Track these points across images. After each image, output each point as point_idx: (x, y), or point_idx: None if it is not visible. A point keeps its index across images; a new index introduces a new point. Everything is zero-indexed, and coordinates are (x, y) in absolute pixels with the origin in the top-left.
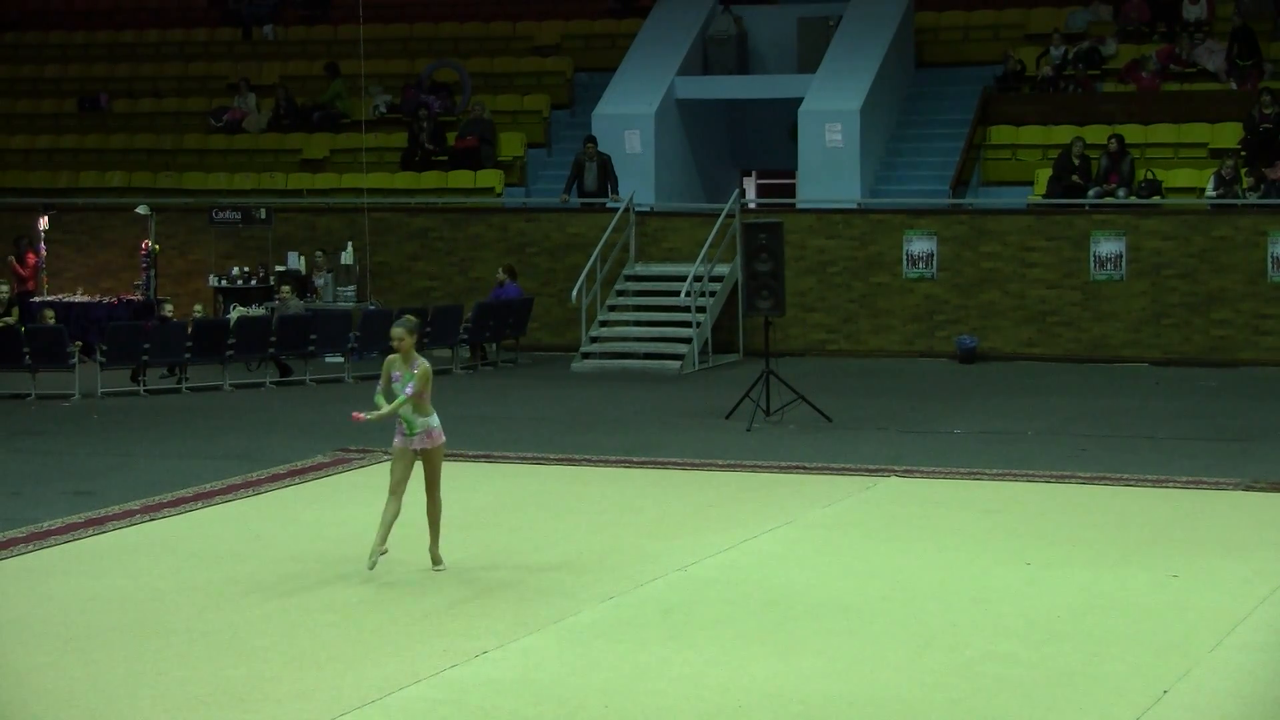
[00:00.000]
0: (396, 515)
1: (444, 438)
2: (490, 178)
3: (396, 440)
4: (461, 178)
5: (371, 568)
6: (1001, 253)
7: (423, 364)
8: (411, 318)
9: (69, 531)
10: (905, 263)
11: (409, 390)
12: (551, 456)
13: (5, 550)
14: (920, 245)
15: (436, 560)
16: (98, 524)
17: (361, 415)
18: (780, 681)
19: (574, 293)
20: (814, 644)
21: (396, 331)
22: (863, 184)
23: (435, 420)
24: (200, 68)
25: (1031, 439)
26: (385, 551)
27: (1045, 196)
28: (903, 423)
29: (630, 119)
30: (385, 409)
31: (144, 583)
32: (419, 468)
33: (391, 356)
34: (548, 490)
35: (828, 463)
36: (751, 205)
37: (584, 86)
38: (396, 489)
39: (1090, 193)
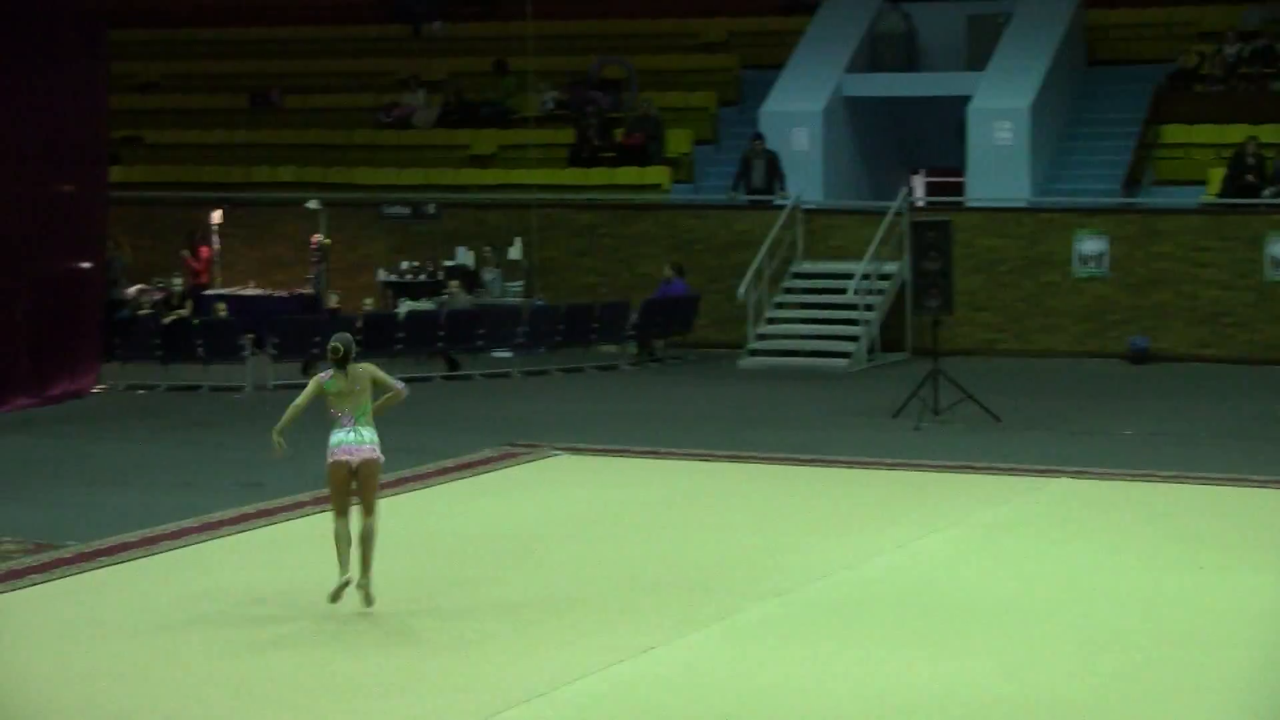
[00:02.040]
0: (351, 539)
1: (328, 458)
2: (657, 174)
3: (336, 457)
4: (628, 174)
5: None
6: (1173, 253)
7: (365, 365)
8: (346, 336)
9: (240, 522)
10: (1075, 262)
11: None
12: (718, 453)
13: (178, 540)
14: (1091, 244)
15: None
16: (268, 515)
17: None
18: (948, 682)
19: (741, 290)
20: (982, 645)
21: (334, 344)
22: (1032, 182)
23: (374, 433)
24: (370, 64)
25: (1204, 441)
26: (348, 580)
27: (1219, 196)
28: (1073, 423)
29: (798, 116)
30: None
31: (312, 574)
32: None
33: (326, 371)
34: (714, 487)
35: (996, 463)
36: (919, 203)
37: (751, 83)
38: (341, 510)
39: (1265, 192)
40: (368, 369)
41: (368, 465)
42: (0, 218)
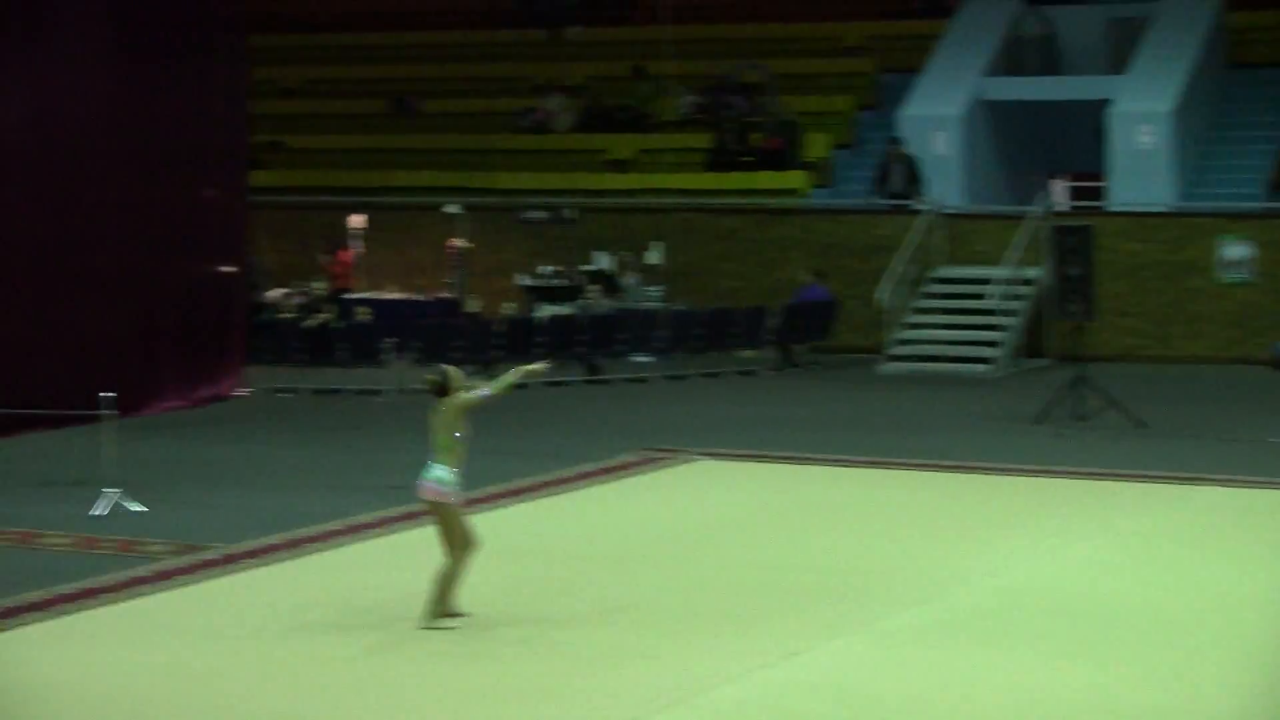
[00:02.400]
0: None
1: (446, 498)
2: (796, 178)
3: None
4: (767, 178)
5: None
6: None
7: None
8: (443, 368)
9: (383, 525)
10: (1220, 267)
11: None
12: (858, 459)
13: (322, 543)
14: (1236, 249)
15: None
16: (410, 518)
17: None
18: (1094, 691)
19: (880, 294)
20: (1129, 654)
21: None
22: (1175, 186)
23: (440, 472)
24: (508, 68)
25: None
26: (464, 614)
27: None
28: (1219, 430)
29: (937, 120)
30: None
31: None
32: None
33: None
34: (855, 493)
35: (1141, 470)
36: (1060, 207)
37: (889, 87)
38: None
39: None
40: (453, 401)
41: (433, 507)
42: (145, 223)
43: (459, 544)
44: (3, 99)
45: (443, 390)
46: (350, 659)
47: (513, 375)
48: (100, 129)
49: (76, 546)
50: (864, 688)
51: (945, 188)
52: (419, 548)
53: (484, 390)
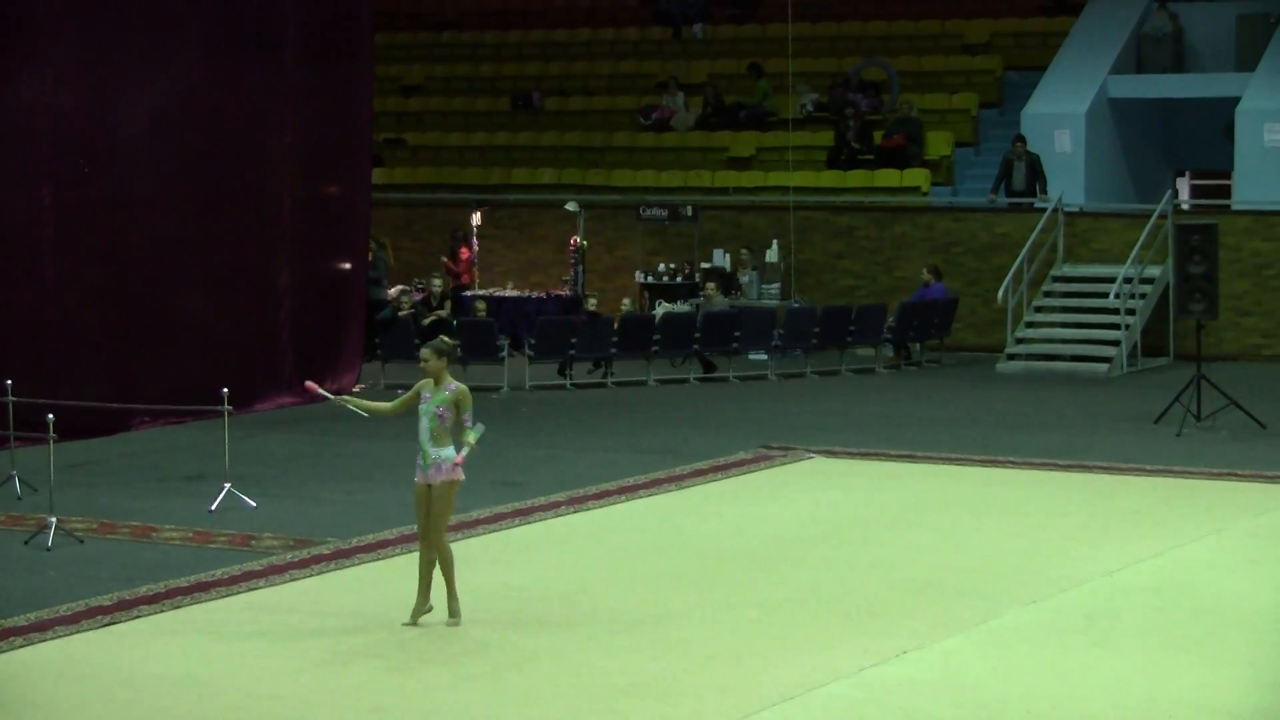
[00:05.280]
0: (433, 564)
1: (458, 475)
2: (917, 176)
3: (416, 477)
4: (888, 176)
5: (413, 623)
6: None
7: (458, 388)
8: (445, 340)
9: (496, 521)
10: None
11: (458, 418)
12: (975, 457)
13: None
14: None
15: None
16: (524, 514)
17: (318, 389)
18: (1209, 692)
19: (1000, 293)
20: (1245, 655)
21: (424, 353)
22: None
23: (450, 452)
24: (630, 66)
25: None
26: (430, 609)
27: None
28: None
29: (1061, 118)
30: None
31: (568, 573)
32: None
33: (424, 379)
34: (971, 491)
35: (1262, 470)
36: (1185, 206)
37: (1013, 85)
38: (423, 533)
39: None
40: (464, 392)
41: (444, 487)
42: (266, 218)
43: (444, 528)
44: (128, 98)
45: (452, 356)
46: (459, 654)
47: (473, 441)
48: (223, 127)
49: (191, 540)
50: (975, 686)
51: (1068, 186)
52: (530, 544)
53: (472, 424)
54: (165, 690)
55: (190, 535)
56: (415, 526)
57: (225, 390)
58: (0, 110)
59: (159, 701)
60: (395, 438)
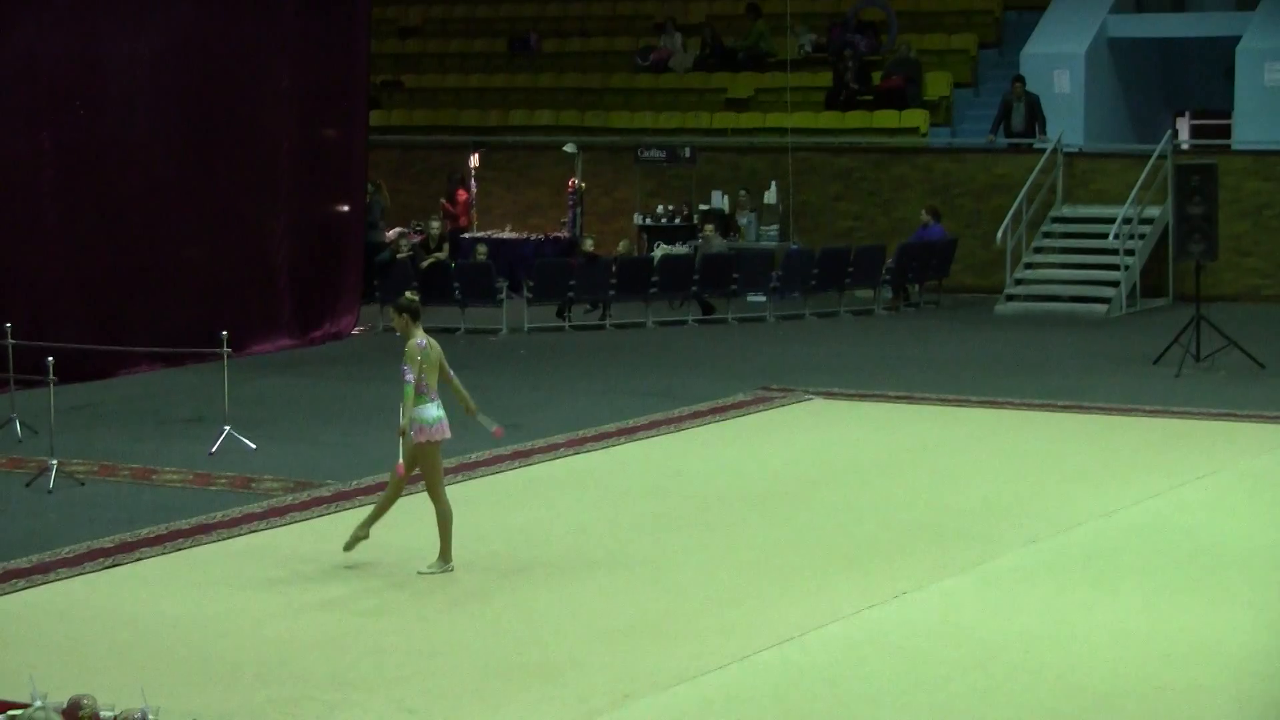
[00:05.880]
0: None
1: (426, 437)
2: (915, 118)
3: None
4: (886, 118)
5: (347, 549)
6: None
7: (408, 343)
8: (405, 296)
9: (495, 463)
10: None
11: (406, 377)
12: (973, 399)
13: None
14: None
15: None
16: (523, 457)
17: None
18: (1208, 632)
19: (999, 234)
20: (1244, 595)
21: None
22: None
23: (424, 411)
24: (627, 7)
25: None
26: (365, 537)
27: None
28: None
29: (1060, 58)
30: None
31: (567, 515)
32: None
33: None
34: (969, 432)
35: (1260, 410)
36: (1184, 146)
37: (1013, 25)
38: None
39: None
40: (438, 349)
41: (437, 446)
42: (263, 162)
43: (435, 485)
44: (125, 42)
45: (417, 314)
46: (460, 597)
47: (470, 403)
48: (219, 70)
49: (192, 483)
50: (973, 627)
51: (1067, 127)
52: (529, 486)
53: (450, 372)
54: (167, 631)
55: (190, 477)
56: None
57: (224, 333)
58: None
59: (161, 642)
60: (391, 379)
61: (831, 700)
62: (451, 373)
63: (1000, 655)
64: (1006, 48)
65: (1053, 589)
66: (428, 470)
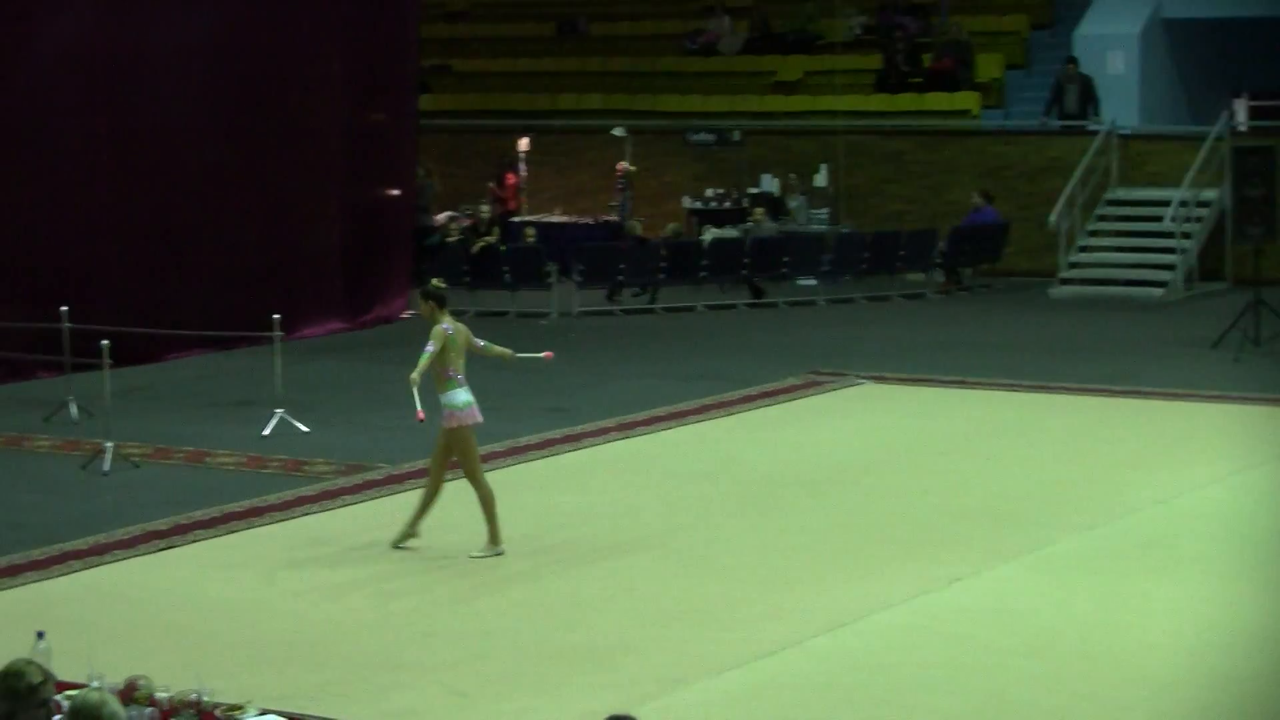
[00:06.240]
0: (430, 499)
1: (457, 421)
2: (967, 100)
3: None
4: (937, 100)
5: (395, 546)
6: None
7: (435, 330)
8: (432, 282)
9: (546, 447)
10: None
11: (427, 349)
12: (1027, 383)
13: (486, 464)
14: None
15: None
16: (573, 440)
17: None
18: (1267, 620)
19: (1052, 217)
20: None
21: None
22: None
23: (452, 396)
24: None
25: None
26: (414, 535)
27: None
28: None
29: (1114, 39)
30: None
31: (617, 499)
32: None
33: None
34: (1023, 417)
35: None
36: (1242, 128)
37: (1065, 5)
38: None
39: None
40: (466, 332)
41: (470, 431)
42: (314, 147)
43: (473, 469)
44: (178, 26)
45: (443, 301)
46: (510, 581)
47: (509, 353)
48: (271, 55)
49: (245, 466)
50: (1029, 614)
51: (1121, 108)
52: (580, 470)
53: (479, 342)
54: (221, 613)
55: (244, 460)
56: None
57: (276, 317)
58: (54, 39)
59: (215, 625)
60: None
61: (885, 686)
62: (479, 341)
63: (1056, 642)
64: (1059, 28)
65: (1109, 576)
66: (464, 455)
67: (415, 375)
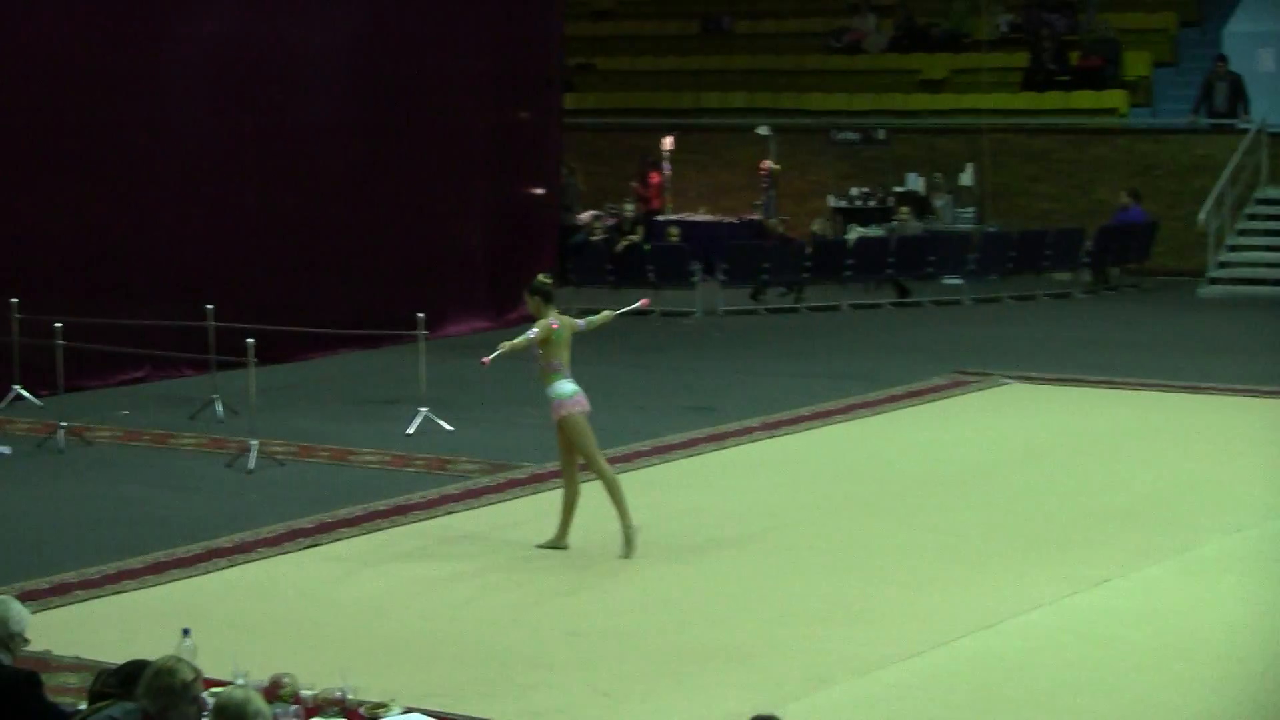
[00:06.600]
0: (571, 502)
1: (567, 410)
2: (1114, 98)
3: None
4: (1084, 98)
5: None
6: None
7: (540, 322)
8: (540, 278)
9: (690, 446)
10: None
11: (530, 334)
12: (1176, 383)
13: (630, 463)
14: None
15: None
16: (718, 439)
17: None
18: None
19: (1201, 216)
20: None
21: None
22: None
23: (558, 388)
24: None
25: None
26: (564, 548)
27: None
28: None
29: (1264, 36)
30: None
31: (761, 498)
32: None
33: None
34: (1172, 418)
35: None
36: None
37: (1214, 2)
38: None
39: None
40: (571, 323)
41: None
42: (458, 145)
43: (594, 458)
44: (323, 26)
45: (549, 296)
46: (654, 580)
47: (610, 313)
48: (416, 52)
49: (389, 464)
50: (1178, 616)
51: (1271, 107)
52: (725, 469)
53: (582, 322)
54: (365, 612)
55: (388, 458)
56: (604, 453)
57: (421, 315)
58: (202, 39)
59: (359, 623)
60: (588, 362)
61: (1031, 688)
62: (581, 323)
63: (1204, 645)
64: (1208, 25)
65: (1258, 579)
66: (581, 442)
67: (506, 345)
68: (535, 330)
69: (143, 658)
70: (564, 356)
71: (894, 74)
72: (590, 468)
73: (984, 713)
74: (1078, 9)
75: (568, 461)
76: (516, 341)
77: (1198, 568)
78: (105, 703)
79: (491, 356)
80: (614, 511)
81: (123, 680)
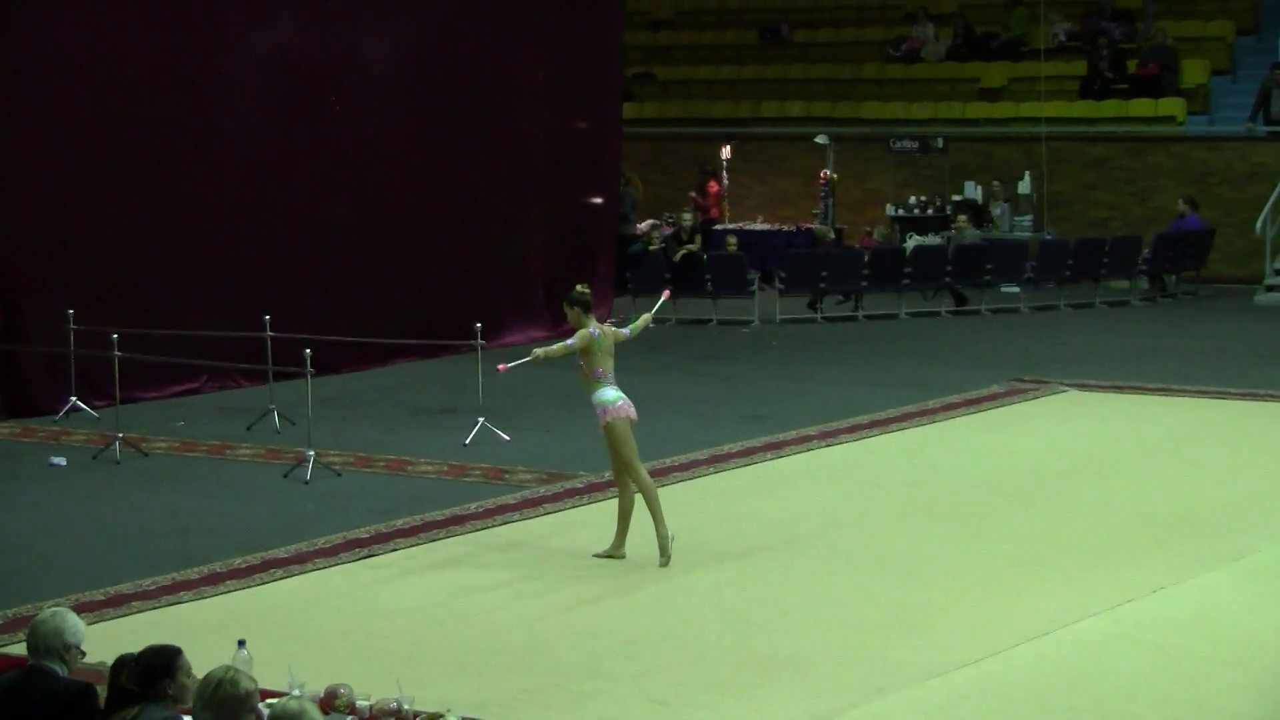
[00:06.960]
0: (627, 511)
1: (611, 416)
2: (1171, 106)
3: None
4: (1142, 106)
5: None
6: None
7: (580, 331)
8: (578, 288)
9: (747, 455)
10: None
11: (569, 342)
12: (1233, 391)
13: (687, 471)
14: None
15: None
16: (775, 448)
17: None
18: None
19: (1259, 223)
20: None
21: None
22: None
23: (600, 395)
24: None
25: None
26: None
27: None
28: None
29: None
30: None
31: (819, 506)
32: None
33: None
34: (1229, 425)
35: None
36: None
37: (1271, 10)
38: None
39: None
40: (612, 332)
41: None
42: (516, 154)
43: (632, 464)
44: (379, 35)
45: (588, 306)
46: (710, 588)
47: (648, 316)
48: (473, 63)
49: (446, 474)
50: (1232, 624)
51: None
52: (782, 477)
53: (626, 330)
54: (420, 621)
55: (445, 468)
56: (660, 462)
57: (478, 324)
58: (256, 49)
59: (415, 633)
60: (646, 373)
61: (1087, 696)
62: (625, 330)
63: (1261, 653)
64: (1265, 33)
65: None
66: (622, 448)
67: (540, 351)
68: (574, 340)
69: (158, 644)
70: (608, 365)
71: (952, 82)
72: (628, 473)
73: None
74: (1135, 18)
75: (619, 470)
76: (553, 349)
77: (1253, 575)
78: (132, 710)
79: (510, 365)
80: (650, 520)
81: (143, 674)
